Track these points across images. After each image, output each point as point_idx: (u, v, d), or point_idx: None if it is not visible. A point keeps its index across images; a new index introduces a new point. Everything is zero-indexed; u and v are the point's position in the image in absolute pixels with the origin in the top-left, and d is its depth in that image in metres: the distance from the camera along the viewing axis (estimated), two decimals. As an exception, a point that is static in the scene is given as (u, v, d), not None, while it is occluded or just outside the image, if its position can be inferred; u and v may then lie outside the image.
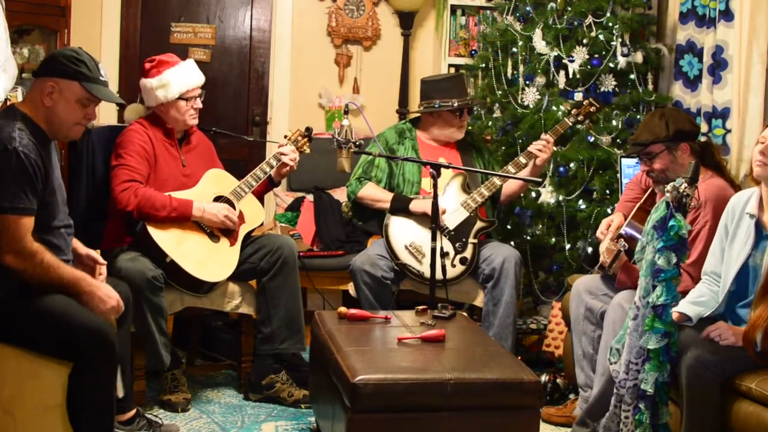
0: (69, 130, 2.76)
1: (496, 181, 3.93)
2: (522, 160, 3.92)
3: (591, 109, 4.04)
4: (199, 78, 3.67)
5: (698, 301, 2.95)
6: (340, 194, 4.78)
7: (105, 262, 2.97)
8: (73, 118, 2.74)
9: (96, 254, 2.96)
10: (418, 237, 3.83)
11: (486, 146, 4.31)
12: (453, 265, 3.83)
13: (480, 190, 3.92)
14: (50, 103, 2.69)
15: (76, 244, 2.92)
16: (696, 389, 2.70)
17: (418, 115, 4.12)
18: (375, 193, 3.97)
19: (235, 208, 3.59)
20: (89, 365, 2.58)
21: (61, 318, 2.57)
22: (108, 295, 2.71)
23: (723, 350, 2.74)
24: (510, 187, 4.01)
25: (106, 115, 4.85)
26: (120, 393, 2.88)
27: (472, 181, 3.98)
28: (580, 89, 4.36)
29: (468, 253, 3.87)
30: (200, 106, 3.68)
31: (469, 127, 4.28)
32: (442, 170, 3.87)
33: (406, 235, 3.86)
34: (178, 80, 3.59)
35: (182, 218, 3.45)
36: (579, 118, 4.03)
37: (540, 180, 3.87)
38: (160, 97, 3.57)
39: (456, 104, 3.96)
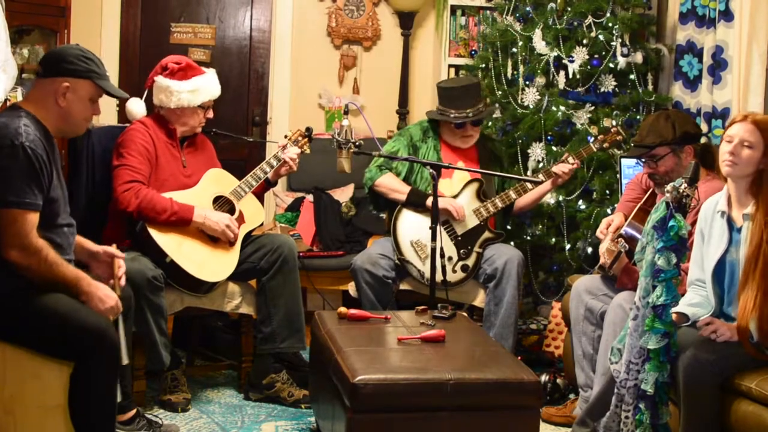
0: (78, 126, 2.81)
1: (512, 194, 3.91)
2: (542, 177, 3.91)
3: (618, 138, 4.00)
4: (219, 90, 3.72)
5: (692, 302, 2.96)
6: (340, 194, 4.78)
7: (123, 255, 2.96)
8: (84, 115, 2.78)
9: (113, 249, 2.94)
10: (424, 235, 3.83)
11: (507, 155, 4.28)
12: (454, 271, 3.83)
13: (494, 201, 3.92)
14: (65, 103, 2.71)
15: (87, 243, 2.92)
16: (693, 389, 2.71)
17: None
18: (393, 183, 3.95)
19: (235, 208, 3.60)
20: (91, 365, 2.58)
21: (63, 318, 2.57)
22: (107, 295, 2.71)
23: (720, 349, 2.74)
24: (524, 199, 4.00)
25: (106, 114, 4.85)
26: (118, 398, 2.88)
27: (488, 190, 3.97)
28: (580, 89, 4.36)
29: (470, 261, 3.87)
30: (211, 115, 3.71)
31: (485, 131, 4.30)
32: (459, 173, 3.89)
33: (413, 231, 3.86)
34: (206, 89, 3.63)
35: (182, 223, 3.44)
36: (605, 145, 4.01)
37: (540, 180, 3.87)
38: (184, 102, 3.58)
39: (452, 116, 3.94)
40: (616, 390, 2.88)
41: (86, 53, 2.77)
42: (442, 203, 3.72)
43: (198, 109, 3.63)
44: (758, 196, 2.82)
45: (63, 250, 2.74)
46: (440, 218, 3.44)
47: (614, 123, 4.19)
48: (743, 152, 2.82)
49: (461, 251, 3.86)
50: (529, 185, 3.89)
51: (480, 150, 4.08)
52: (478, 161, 4.04)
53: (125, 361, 2.82)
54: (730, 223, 2.90)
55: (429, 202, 3.81)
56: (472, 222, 3.90)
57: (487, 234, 3.92)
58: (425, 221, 3.85)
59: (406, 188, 3.92)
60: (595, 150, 4.00)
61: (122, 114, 3.79)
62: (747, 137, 2.82)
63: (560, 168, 3.89)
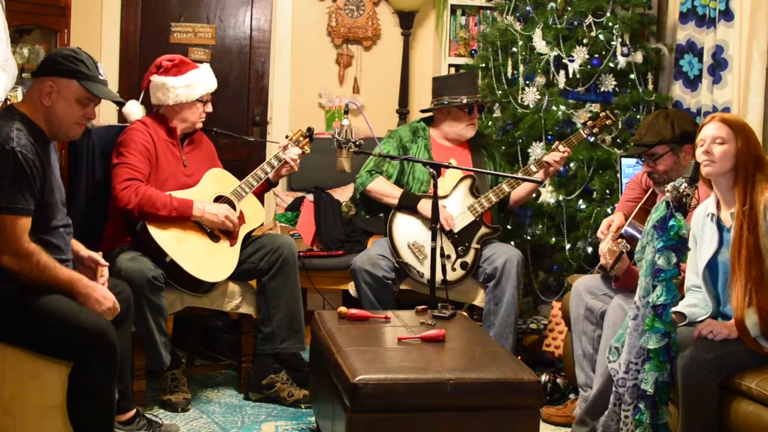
0: (69, 129, 2.76)
1: (505, 187, 3.92)
2: (533, 168, 3.91)
3: (607, 122, 4.00)
4: (215, 83, 3.73)
5: (690, 303, 2.97)
6: (340, 194, 4.78)
7: (107, 264, 2.96)
8: (72, 118, 2.74)
9: (97, 256, 2.95)
10: (421, 236, 3.84)
11: (499, 150, 4.30)
12: (453, 269, 3.83)
13: (488, 195, 3.92)
14: (49, 102, 2.69)
15: (78, 246, 2.92)
16: (692, 388, 2.71)
17: (431, 113, 4.11)
18: (384, 188, 3.96)
19: (235, 208, 3.60)
20: (90, 365, 2.58)
21: (62, 318, 2.57)
22: (104, 296, 2.71)
23: (718, 347, 2.74)
24: (518, 192, 4.01)
25: (106, 115, 4.85)
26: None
27: (481, 185, 3.98)
28: (580, 89, 4.36)
29: (469, 258, 3.86)
30: (210, 110, 3.71)
31: (486, 131, 4.30)
32: (452, 171, 3.89)
33: (409, 233, 3.86)
34: (201, 82, 3.64)
35: (182, 218, 3.45)
36: (594, 131, 4.01)
37: (540, 180, 3.87)
38: (181, 97, 3.58)
39: (465, 100, 3.96)
40: (614, 389, 2.88)
41: (78, 54, 2.74)
42: (430, 209, 3.72)
43: (196, 103, 3.64)
44: (735, 189, 2.87)
45: (60, 251, 2.74)
46: (431, 221, 3.43)
47: (603, 108, 4.18)
48: (716, 149, 2.87)
49: (459, 249, 3.86)
50: (520, 175, 3.90)
51: (471, 146, 4.09)
52: (470, 157, 4.05)
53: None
54: (720, 224, 2.92)
55: (420, 205, 3.83)
56: (468, 219, 3.90)
57: (483, 229, 3.92)
58: (420, 223, 3.85)
59: (398, 192, 3.92)
60: (584, 136, 4.00)
61: (122, 114, 3.79)
62: (717, 133, 2.88)
63: (551, 157, 3.89)
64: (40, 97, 2.69)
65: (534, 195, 4.27)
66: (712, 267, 2.92)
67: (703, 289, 2.95)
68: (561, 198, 4.27)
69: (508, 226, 4.41)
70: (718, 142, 2.88)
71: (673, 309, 2.86)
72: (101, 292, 2.71)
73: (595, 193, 4.27)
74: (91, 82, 2.72)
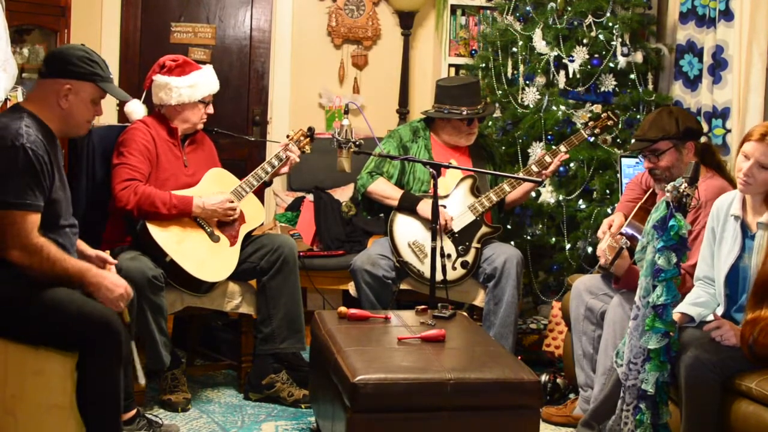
0: (80, 128, 2.81)
1: (506, 187, 3.92)
2: (534, 168, 3.92)
3: (608, 123, 4.00)
4: (218, 84, 3.74)
5: (697, 302, 2.95)
6: (340, 194, 4.78)
7: (115, 262, 2.97)
8: (87, 117, 2.79)
9: (105, 255, 2.96)
10: (422, 236, 3.84)
11: (499, 150, 4.29)
12: (454, 268, 3.83)
13: (489, 195, 3.92)
14: (67, 104, 2.71)
15: (83, 246, 2.92)
16: (695, 389, 2.70)
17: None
18: (385, 189, 3.96)
19: (235, 208, 3.60)
20: (95, 354, 2.58)
21: (65, 309, 2.57)
22: (115, 283, 2.71)
23: (722, 349, 2.74)
24: (515, 193, 4.00)
25: (106, 115, 4.84)
26: (141, 380, 2.97)
27: (482, 185, 3.98)
28: (580, 89, 4.36)
29: (470, 257, 3.87)
30: (212, 111, 3.71)
31: (486, 131, 4.30)
32: (453, 171, 3.90)
33: (410, 232, 3.87)
34: (204, 83, 3.64)
35: (183, 215, 3.45)
36: (596, 131, 4.01)
37: (540, 180, 3.87)
38: (184, 97, 3.59)
39: (465, 113, 3.95)
40: (621, 392, 2.87)
41: (91, 55, 2.76)
42: (429, 211, 3.72)
43: (198, 104, 3.64)
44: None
45: (66, 251, 2.74)
46: (431, 221, 3.43)
47: (605, 109, 4.18)
48: (759, 174, 2.80)
49: (459, 248, 3.87)
50: (521, 175, 3.90)
51: (471, 146, 4.09)
52: (470, 158, 4.05)
53: (142, 381, 2.94)
54: (744, 229, 2.88)
55: (419, 207, 3.84)
56: (469, 218, 3.90)
57: (484, 229, 3.92)
58: (420, 222, 3.86)
59: (398, 193, 3.92)
60: (585, 136, 4.00)
61: (122, 114, 3.79)
62: (764, 160, 2.79)
63: (551, 158, 3.90)
64: (56, 98, 2.70)
65: (533, 195, 4.27)
66: (732, 271, 2.89)
67: (720, 290, 2.92)
68: (561, 198, 4.27)
69: (508, 226, 4.41)
70: (762, 166, 2.78)
71: (679, 309, 2.85)
72: (112, 279, 2.71)
73: (595, 193, 4.27)
74: (106, 83, 2.77)
